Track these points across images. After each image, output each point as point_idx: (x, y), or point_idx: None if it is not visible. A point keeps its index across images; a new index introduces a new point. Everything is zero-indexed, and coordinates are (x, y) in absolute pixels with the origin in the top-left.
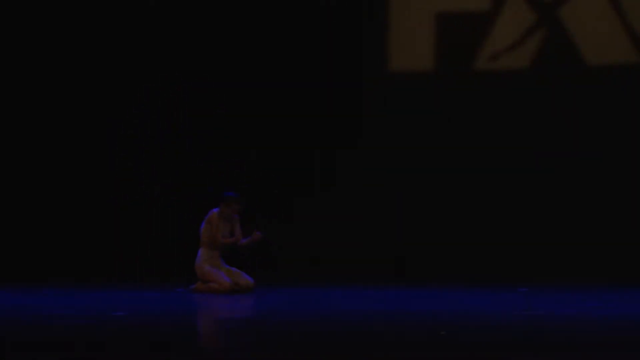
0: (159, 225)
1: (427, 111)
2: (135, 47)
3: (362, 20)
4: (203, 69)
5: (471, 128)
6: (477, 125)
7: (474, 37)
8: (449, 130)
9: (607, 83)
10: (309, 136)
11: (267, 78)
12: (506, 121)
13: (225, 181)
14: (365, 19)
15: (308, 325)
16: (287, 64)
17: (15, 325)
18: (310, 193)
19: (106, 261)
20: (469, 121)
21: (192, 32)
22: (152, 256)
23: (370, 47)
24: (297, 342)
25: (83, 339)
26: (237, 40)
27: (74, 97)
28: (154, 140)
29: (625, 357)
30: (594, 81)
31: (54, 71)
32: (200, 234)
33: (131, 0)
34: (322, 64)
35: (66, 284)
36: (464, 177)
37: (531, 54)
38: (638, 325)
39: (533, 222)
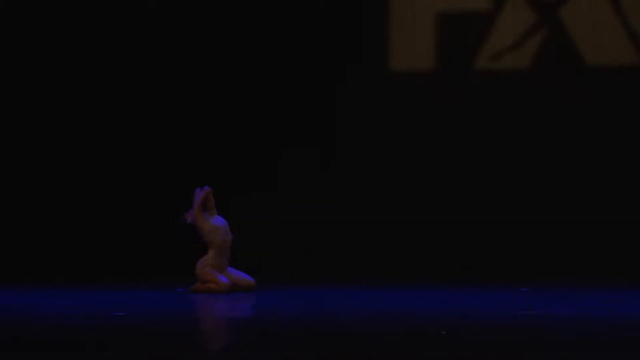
0: (159, 225)
1: (427, 111)
2: (135, 47)
3: (362, 20)
4: (203, 69)
5: (470, 128)
6: (477, 125)
7: (474, 37)
8: (449, 130)
9: (607, 83)
10: (309, 136)
11: (267, 78)
12: (505, 121)
13: (226, 181)
14: (366, 19)
15: (308, 325)
16: (287, 65)
17: (15, 325)
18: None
19: (106, 261)
20: (468, 121)
21: (192, 32)
22: (152, 256)
23: (370, 47)
24: (297, 342)
25: (83, 339)
26: (237, 41)
27: (74, 96)
28: (153, 139)
29: (625, 357)
30: (594, 81)
31: (52, 71)
32: (205, 240)
33: (131, 0)
34: (322, 63)
35: (66, 284)
36: (463, 176)
37: (531, 54)
38: (638, 325)
39: (533, 222)
